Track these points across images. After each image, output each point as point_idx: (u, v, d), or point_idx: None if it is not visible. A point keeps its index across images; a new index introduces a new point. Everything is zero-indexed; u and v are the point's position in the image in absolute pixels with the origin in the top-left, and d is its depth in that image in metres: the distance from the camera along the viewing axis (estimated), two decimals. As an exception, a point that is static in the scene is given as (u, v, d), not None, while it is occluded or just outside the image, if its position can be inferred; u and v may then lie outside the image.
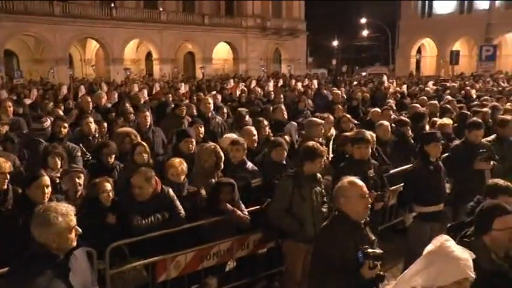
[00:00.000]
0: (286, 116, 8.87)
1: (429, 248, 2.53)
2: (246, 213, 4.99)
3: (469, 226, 3.42)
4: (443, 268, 2.38)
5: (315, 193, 4.86)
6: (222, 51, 44.21)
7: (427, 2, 45.85)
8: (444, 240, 2.50)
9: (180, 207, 4.75)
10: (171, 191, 4.74)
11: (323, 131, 7.15)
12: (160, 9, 38.99)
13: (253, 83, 21.81)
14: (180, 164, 5.03)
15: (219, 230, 4.91)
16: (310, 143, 5.04)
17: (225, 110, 9.67)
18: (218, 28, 41.99)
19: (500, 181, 4.10)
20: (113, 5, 36.38)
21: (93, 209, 4.40)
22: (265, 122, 7.43)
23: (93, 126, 7.27)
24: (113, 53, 36.93)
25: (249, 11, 43.80)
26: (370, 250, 3.33)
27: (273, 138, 6.57)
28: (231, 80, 23.82)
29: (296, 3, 47.35)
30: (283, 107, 9.23)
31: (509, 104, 11.86)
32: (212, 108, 9.04)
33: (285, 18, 46.34)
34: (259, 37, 44.21)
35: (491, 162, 6.10)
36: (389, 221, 6.87)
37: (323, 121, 7.38)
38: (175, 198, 4.76)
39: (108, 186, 4.58)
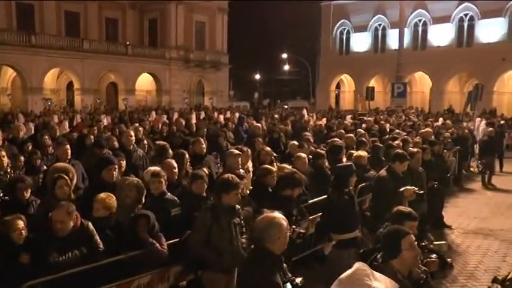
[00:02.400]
0: (205, 149, 8.92)
1: (347, 273, 2.63)
2: (165, 246, 5.02)
3: (379, 251, 3.68)
4: None
5: (234, 224, 4.98)
6: (145, 82, 43.84)
7: (344, 40, 48.32)
8: (359, 267, 2.58)
9: (99, 241, 4.70)
10: (90, 225, 4.69)
11: (240, 163, 7.34)
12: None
13: (176, 115, 21.85)
14: (108, 197, 5.01)
15: (139, 264, 4.89)
16: (226, 175, 5.18)
17: (145, 142, 9.63)
18: (142, 59, 41.69)
19: (402, 208, 4.44)
20: (32, 31, 35.14)
21: (3, 248, 4.25)
22: (186, 155, 7.53)
23: (5, 160, 6.99)
24: (31, 81, 35.45)
25: (173, 42, 43.92)
26: (298, 280, 3.48)
27: (192, 171, 6.68)
28: (153, 112, 23.70)
29: (219, 36, 48.16)
30: (202, 140, 9.28)
31: (418, 137, 12.82)
32: (134, 141, 8.98)
33: (208, 50, 46.88)
34: (182, 69, 44.34)
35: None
36: (309, 249, 7.14)
37: (240, 152, 7.58)
38: (95, 232, 4.70)
39: (21, 223, 4.46)
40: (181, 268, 5.30)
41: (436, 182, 8.75)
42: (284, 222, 3.58)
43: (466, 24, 40.16)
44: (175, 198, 5.76)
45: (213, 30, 47.54)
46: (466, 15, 39.98)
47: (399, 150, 7.88)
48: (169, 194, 5.76)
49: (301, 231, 5.55)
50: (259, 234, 3.55)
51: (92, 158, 7.98)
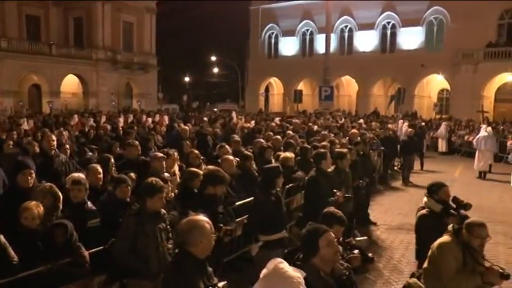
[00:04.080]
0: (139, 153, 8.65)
1: (264, 271, 2.68)
2: (86, 254, 4.80)
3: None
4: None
5: (159, 230, 4.86)
6: (71, 84, 42.08)
7: (273, 44, 48.97)
8: (277, 263, 2.64)
9: (13, 254, 4.40)
10: (2, 237, 4.38)
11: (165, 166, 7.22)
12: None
13: (104, 119, 21.20)
14: (36, 206, 4.71)
15: (59, 275, 4.65)
16: (149, 179, 5.05)
17: (68, 147, 9.23)
18: (67, 59, 39.77)
19: (335, 210, 4.46)
20: None
21: None
22: (112, 160, 7.29)
23: None
24: None
25: (100, 42, 42.44)
26: (220, 285, 3.42)
27: (116, 175, 6.48)
28: (75, 116, 22.88)
29: (147, 38, 47.19)
30: (137, 143, 9.02)
31: (344, 139, 13.21)
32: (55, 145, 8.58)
33: (136, 52, 45.79)
34: (110, 70, 42.96)
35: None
36: (237, 251, 7.12)
37: (165, 156, 7.44)
38: (8, 245, 4.39)
39: None
40: (105, 277, 5.09)
41: (361, 181, 9.03)
42: (207, 225, 3.52)
43: (388, 32, 42.03)
44: (95, 208, 5.54)
45: (141, 31, 46.50)
46: (388, 23, 41.84)
47: (321, 149, 8.08)
48: (89, 203, 5.53)
49: (229, 228, 5.54)
50: (182, 238, 3.49)
51: (10, 164, 7.57)
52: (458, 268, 4.32)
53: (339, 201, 6.77)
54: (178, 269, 3.47)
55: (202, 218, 3.57)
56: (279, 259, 2.65)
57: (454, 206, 5.73)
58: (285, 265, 2.62)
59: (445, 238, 4.52)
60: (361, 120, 23.74)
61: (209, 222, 3.56)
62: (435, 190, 5.75)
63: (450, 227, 4.60)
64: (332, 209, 4.48)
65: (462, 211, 5.67)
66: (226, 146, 9.17)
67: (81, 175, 6.05)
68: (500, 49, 35.40)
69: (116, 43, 43.76)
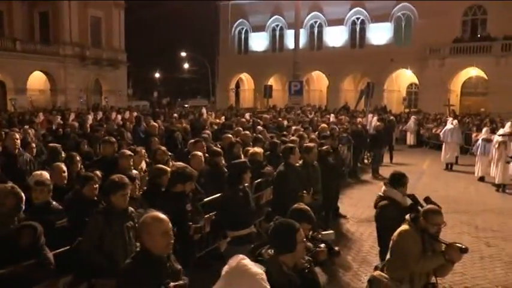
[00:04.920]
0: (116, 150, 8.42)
1: (226, 268, 2.67)
2: (50, 255, 4.69)
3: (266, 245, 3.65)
4: (241, 285, 2.54)
5: (127, 228, 4.80)
6: (38, 81, 41.11)
7: (243, 39, 48.87)
8: (240, 259, 2.64)
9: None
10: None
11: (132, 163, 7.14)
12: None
13: (72, 116, 20.82)
14: None
15: (23, 278, 4.53)
16: (113, 176, 4.99)
17: (34, 146, 9.04)
18: (33, 55, 38.70)
19: (305, 207, 4.39)
20: None
21: None
22: (78, 157, 7.17)
23: None
24: None
25: (67, 38, 41.50)
26: (172, 284, 3.35)
27: (83, 173, 6.37)
28: (41, 113, 22.42)
29: (116, 33, 46.40)
30: (114, 140, 8.72)
31: (314, 133, 13.30)
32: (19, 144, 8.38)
33: (105, 48, 44.96)
34: (78, 67, 42.10)
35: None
36: (206, 248, 7.09)
37: (132, 153, 7.36)
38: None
39: None
40: (71, 278, 4.99)
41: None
42: (164, 221, 3.47)
43: (358, 27, 42.54)
44: (61, 208, 5.42)
45: (109, 27, 45.68)
46: (357, 18, 42.33)
47: (289, 144, 8.13)
48: (54, 203, 5.39)
49: (198, 225, 5.52)
50: (139, 235, 3.47)
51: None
52: (420, 253, 4.48)
53: (306, 202, 6.80)
54: (132, 267, 3.42)
55: (158, 214, 3.51)
56: (241, 255, 2.65)
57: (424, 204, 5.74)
58: (247, 261, 2.61)
59: (404, 227, 4.66)
60: (332, 115, 23.93)
61: (167, 219, 3.49)
62: (403, 183, 5.80)
63: (407, 216, 4.73)
64: (301, 205, 4.42)
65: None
66: (203, 142, 9.11)
67: (46, 174, 5.93)
68: (465, 44, 36.27)
69: (83, 39, 42.89)
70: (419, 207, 5.08)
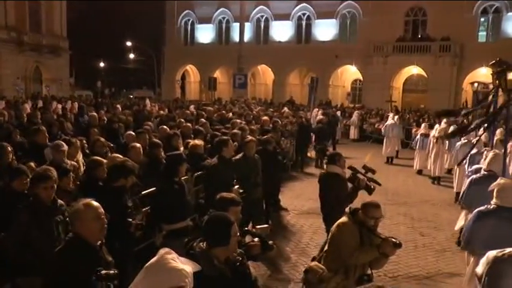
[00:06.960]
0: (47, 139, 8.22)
1: (151, 261, 2.60)
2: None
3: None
4: (156, 278, 2.47)
5: (56, 223, 4.61)
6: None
7: (189, 31, 48.28)
8: (164, 253, 2.57)
9: None
10: None
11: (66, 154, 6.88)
12: None
13: (2, 104, 19.82)
14: None
15: None
16: (39, 168, 4.82)
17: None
18: (-39, 38, 36.44)
19: (225, 194, 4.46)
20: None
21: None
22: (9, 148, 6.82)
23: None
24: None
25: (1, 21, 38.85)
26: (103, 272, 3.32)
27: (16, 166, 6.06)
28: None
29: (57, 19, 44.04)
30: (43, 128, 8.55)
31: (256, 125, 13.33)
32: None
33: (45, 33, 42.68)
34: (15, 53, 39.70)
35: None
36: (143, 242, 6.93)
37: (64, 144, 7.08)
38: None
39: None
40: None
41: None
42: (96, 206, 3.50)
43: (304, 23, 42.85)
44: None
45: (50, 12, 43.25)
46: (304, 14, 42.65)
47: (223, 137, 8.10)
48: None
49: (139, 222, 5.39)
50: (72, 223, 3.49)
51: None
52: (356, 246, 4.61)
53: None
54: (62, 254, 3.41)
55: (89, 200, 3.53)
56: (167, 249, 2.59)
57: (363, 171, 6.42)
58: (171, 256, 2.54)
59: (343, 219, 4.80)
60: (285, 109, 23.77)
61: (98, 204, 3.53)
62: (338, 159, 6.64)
63: (347, 209, 4.91)
64: (223, 193, 4.46)
65: (369, 174, 6.40)
66: (146, 135, 8.93)
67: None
68: (407, 44, 37.45)
69: (21, 23, 40.43)
70: (358, 176, 6.18)
